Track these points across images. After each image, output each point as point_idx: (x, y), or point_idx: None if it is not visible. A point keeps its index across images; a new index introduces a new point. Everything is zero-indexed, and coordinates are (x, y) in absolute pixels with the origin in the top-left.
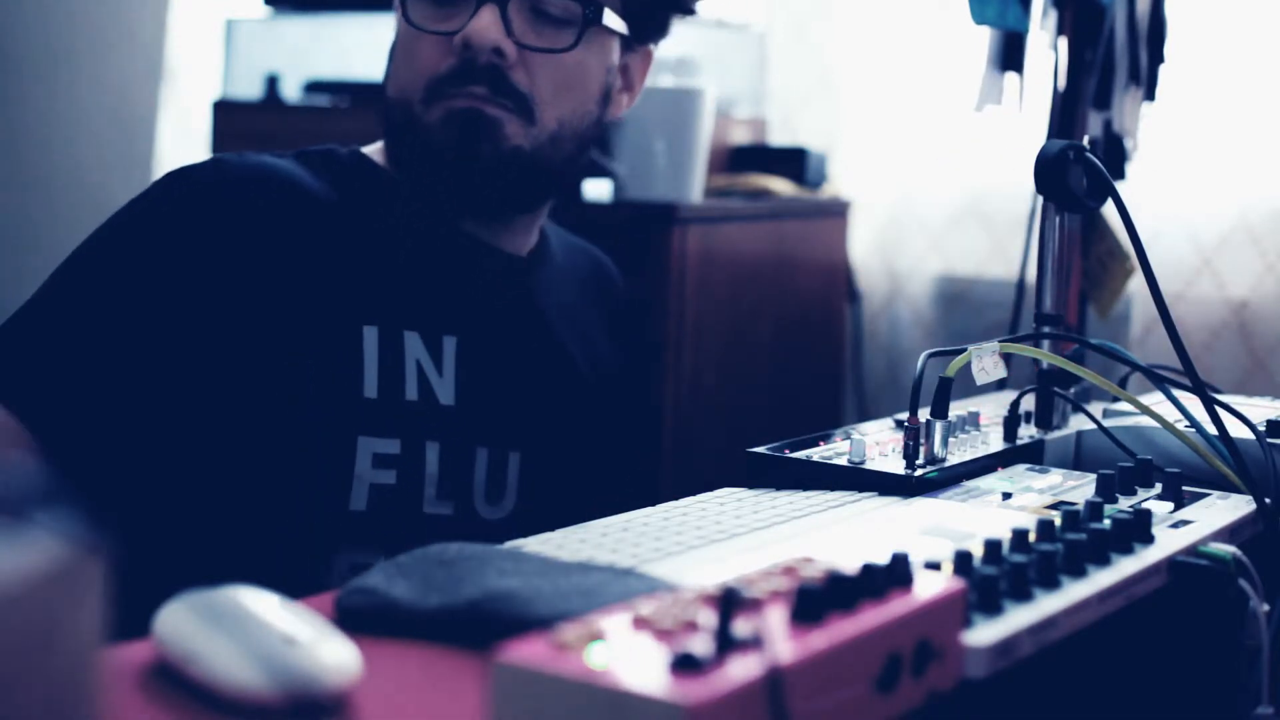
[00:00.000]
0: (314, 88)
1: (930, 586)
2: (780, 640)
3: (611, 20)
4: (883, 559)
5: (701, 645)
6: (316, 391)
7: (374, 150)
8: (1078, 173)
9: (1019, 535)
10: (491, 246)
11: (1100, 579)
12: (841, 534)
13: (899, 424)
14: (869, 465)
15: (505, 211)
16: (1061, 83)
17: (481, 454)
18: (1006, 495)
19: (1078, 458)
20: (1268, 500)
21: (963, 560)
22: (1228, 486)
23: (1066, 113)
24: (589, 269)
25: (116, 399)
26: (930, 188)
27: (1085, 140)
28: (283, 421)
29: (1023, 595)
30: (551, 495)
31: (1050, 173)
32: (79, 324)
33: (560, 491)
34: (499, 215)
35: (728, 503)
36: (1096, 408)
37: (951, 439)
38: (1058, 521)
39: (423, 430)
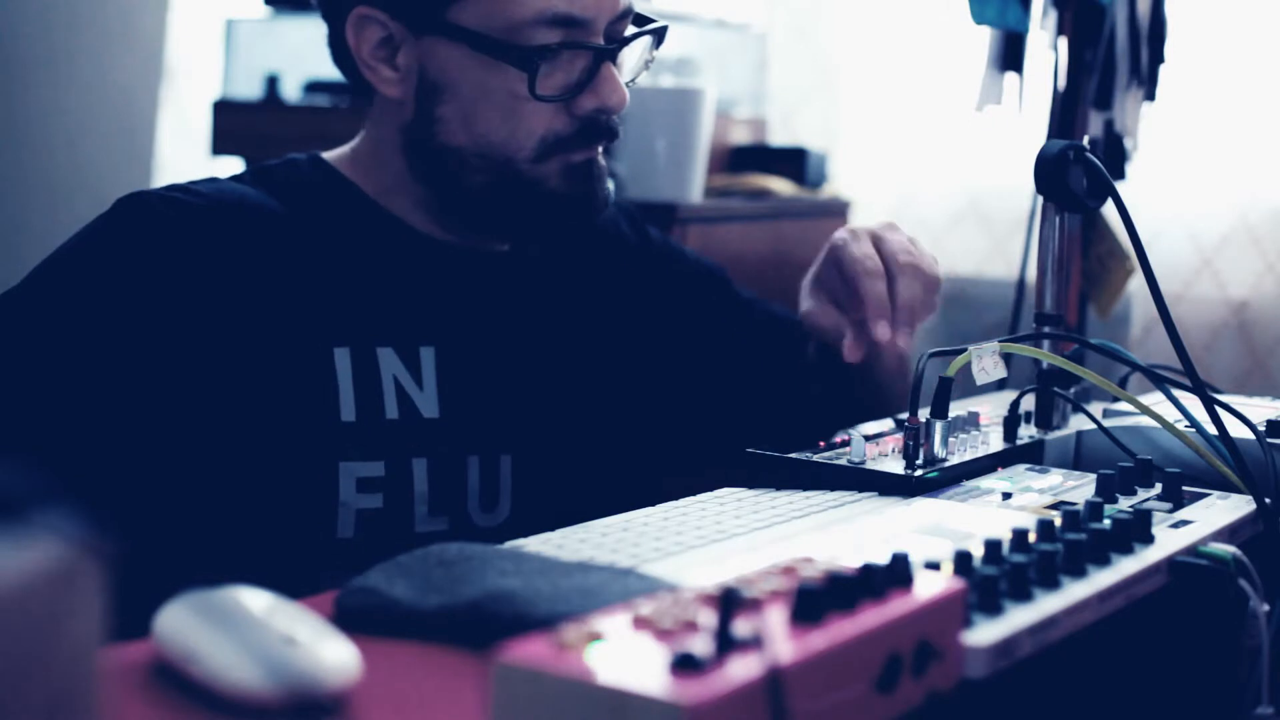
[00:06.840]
0: (314, 88)
1: (930, 586)
2: (780, 640)
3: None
4: (883, 559)
5: (701, 645)
6: (292, 421)
7: (337, 157)
8: (1078, 173)
9: (1019, 535)
10: (462, 248)
11: (1100, 579)
12: (841, 534)
13: (899, 424)
14: (869, 465)
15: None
16: (1061, 83)
17: (473, 462)
18: (1006, 495)
19: (1078, 458)
20: (1268, 500)
21: (963, 560)
22: (1228, 486)
23: (1066, 113)
24: (597, 235)
25: (91, 431)
26: (930, 188)
27: (1085, 140)
28: (260, 453)
29: (1023, 595)
30: (548, 493)
31: (1050, 173)
32: (44, 351)
33: (557, 488)
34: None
35: (728, 503)
36: (1096, 408)
37: (951, 439)
38: (1058, 521)
39: (408, 448)
